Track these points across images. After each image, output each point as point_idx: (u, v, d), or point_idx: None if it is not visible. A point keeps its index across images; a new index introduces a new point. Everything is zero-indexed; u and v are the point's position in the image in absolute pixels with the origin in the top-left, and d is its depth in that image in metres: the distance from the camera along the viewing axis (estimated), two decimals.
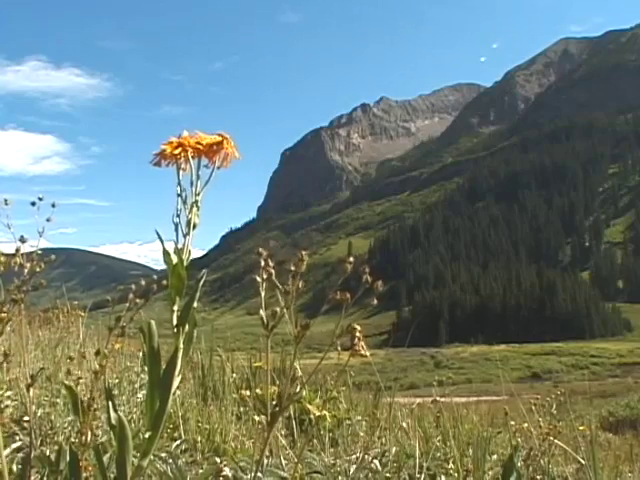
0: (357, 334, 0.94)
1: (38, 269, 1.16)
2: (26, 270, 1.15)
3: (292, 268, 0.94)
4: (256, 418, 2.13)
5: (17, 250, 1.15)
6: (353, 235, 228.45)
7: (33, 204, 1.19)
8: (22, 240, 1.16)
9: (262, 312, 0.96)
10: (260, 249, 0.99)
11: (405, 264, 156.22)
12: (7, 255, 1.13)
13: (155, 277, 1.26)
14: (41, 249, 1.33)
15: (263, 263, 0.97)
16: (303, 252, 0.96)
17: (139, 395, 2.56)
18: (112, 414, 0.99)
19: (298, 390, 0.96)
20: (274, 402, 0.96)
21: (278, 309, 0.94)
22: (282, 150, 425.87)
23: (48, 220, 1.21)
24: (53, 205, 1.20)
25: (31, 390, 1.45)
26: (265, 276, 0.96)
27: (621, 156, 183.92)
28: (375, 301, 0.98)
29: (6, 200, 1.17)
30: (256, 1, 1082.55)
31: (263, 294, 0.98)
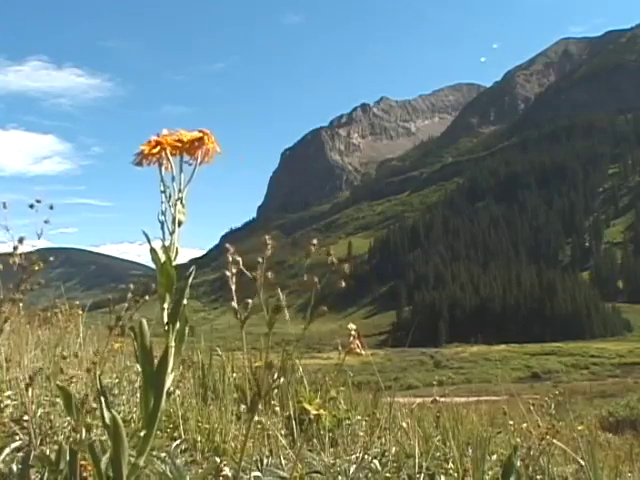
0: (352, 332, 0.95)
1: (37, 268, 1.16)
2: (24, 270, 1.15)
3: (259, 260, 0.96)
4: (255, 418, 2.13)
5: (15, 249, 1.15)
6: (353, 235, 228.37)
7: (31, 206, 1.19)
8: (20, 240, 1.16)
9: (234, 304, 0.97)
10: (227, 245, 0.99)
11: (405, 264, 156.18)
12: (5, 255, 1.13)
13: (154, 276, 1.26)
14: (41, 249, 1.33)
15: (230, 258, 0.98)
16: (267, 236, 0.97)
17: (139, 394, 2.56)
18: (106, 413, 1.00)
19: (275, 378, 0.97)
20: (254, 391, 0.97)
21: (250, 300, 0.95)
22: (282, 150, 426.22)
23: (46, 222, 1.21)
24: (51, 207, 1.21)
25: (30, 390, 1.45)
26: (234, 270, 0.97)
27: (621, 156, 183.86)
28: (343, 283, 0.99)
29: (4, 203, 1.17)
30: (257, 2, 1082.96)
31: (234, 288, 0.99)
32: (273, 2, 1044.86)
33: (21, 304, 1.27)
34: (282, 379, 0.98)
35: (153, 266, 1.00)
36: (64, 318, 3.38)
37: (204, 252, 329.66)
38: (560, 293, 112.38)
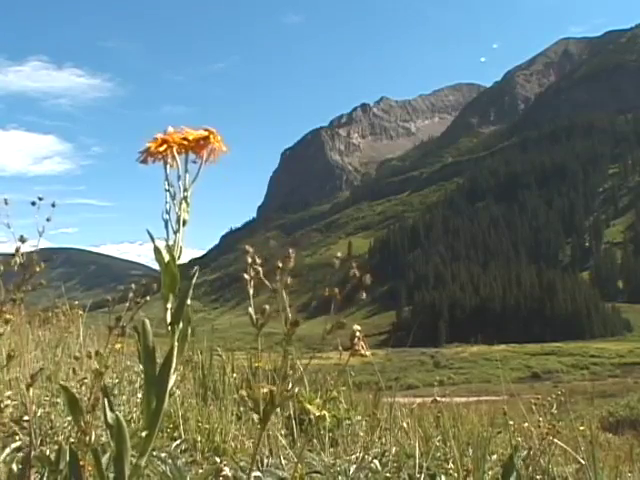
0: (357, 334, 0.94)
1: (38, 269, 1.16)
2: (26, 270, 1.15)
3: (279, 265, 0.93)
4: (255, 418, 2.13)
5: (17, 250, 1.15)
6: (353, 235, 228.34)
7: (33, 204, 1.19)
8: (22, 240, 1.16)
9: (251, 310, 0.95)
10: (247, 246, 0.98)
11: (405, 264, 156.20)
12: (7, 255, 1.13)
13: (155, 276, 1.26)
14: (41, 249, 1.33)
15: (250, 260, 0.96)
16: (291, 250, 0.96)
17: (139, 395, 2.56)
18: (109, 413, 0.99)
19: (290, 387, 0.95)
20: (267, 400, 0.95)
21: (267, 306, 0.94)
22: (282, 150, 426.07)
23: (48, 220, 1.21)
24: (53, 205, 1.20)
25: (30, 390, 1.45)
26: (253, 274, 0.96)
27: (621, 156, 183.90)
28: (364, 295, 0.97)
29: (6, 200, 1.17)
30: (257, 2, 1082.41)
31: (251, 292, 0.97)
32: (273, 2, 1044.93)
33: (22, 305, 1.27)
34: (296, 389, 0.96)
35: (153, 266, 0.99)
36: (66, 318, 3.38)
37: (204, 252, 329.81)
38: (560, 293, 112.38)
